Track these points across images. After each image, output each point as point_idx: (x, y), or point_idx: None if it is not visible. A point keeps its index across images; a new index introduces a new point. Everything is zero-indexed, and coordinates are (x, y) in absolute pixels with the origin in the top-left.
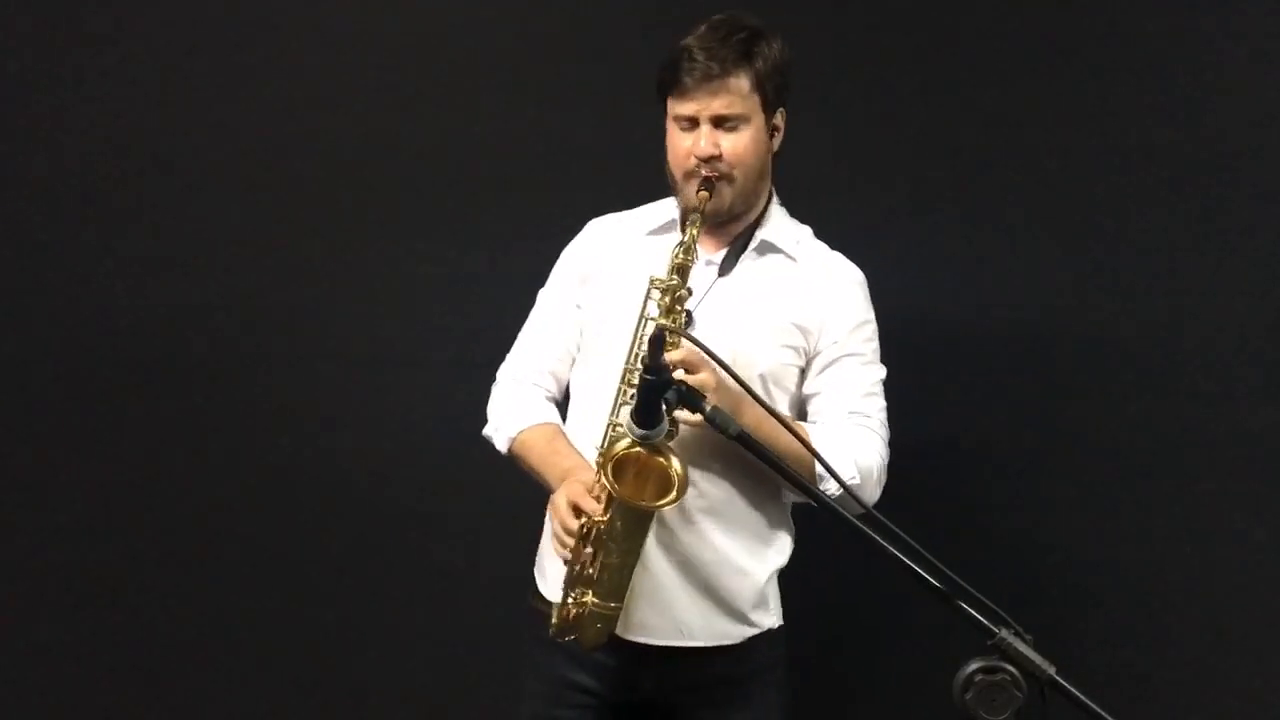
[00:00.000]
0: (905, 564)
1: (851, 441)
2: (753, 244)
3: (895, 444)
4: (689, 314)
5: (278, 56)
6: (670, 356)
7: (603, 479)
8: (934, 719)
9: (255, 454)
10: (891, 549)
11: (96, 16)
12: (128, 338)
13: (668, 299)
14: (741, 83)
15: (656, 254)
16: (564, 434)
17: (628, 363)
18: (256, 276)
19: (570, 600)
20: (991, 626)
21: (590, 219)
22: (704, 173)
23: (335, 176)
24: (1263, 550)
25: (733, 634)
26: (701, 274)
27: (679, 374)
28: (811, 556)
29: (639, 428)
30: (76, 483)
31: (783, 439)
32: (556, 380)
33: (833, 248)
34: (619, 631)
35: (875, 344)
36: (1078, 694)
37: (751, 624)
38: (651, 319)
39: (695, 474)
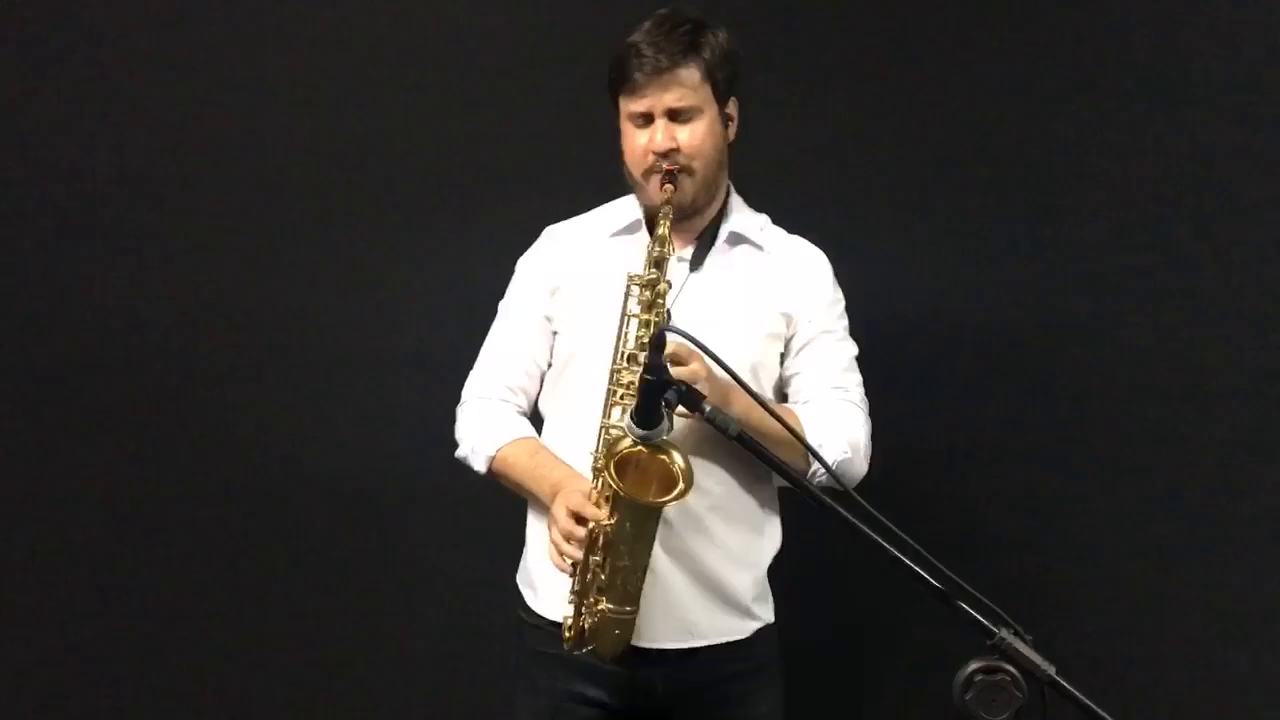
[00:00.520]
0: (905, 564)
1: (839, 417)
2: (721, 236)
3: (895, 445)
4: (667, 311)
5: (267, 58)
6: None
7: (605, 480)
8: (934, 719)
9: (245, 455)
10: (891, 549)
11: (79, 17)
12: (123, 338)
13: (648, 294)
14: (692, 74)
15: (625, 256)
16: (545, 446)
17: (614, 363)
18: (252, 277)
19: (584, 610)
20: (991, 626)
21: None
22: (665, 166)
23: (329, 177)
24: (1263, 550)
25: (739, 629)
26: (673, 271)
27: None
28: (812, 557)
29: (640, 428)
30: (72, 483)
31: (772, 425)
32: (526, 394)
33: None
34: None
35: (846, 321)
36: (1078, 694)
37: (755, 617)
38: (634, 315)
39: (696, 476)
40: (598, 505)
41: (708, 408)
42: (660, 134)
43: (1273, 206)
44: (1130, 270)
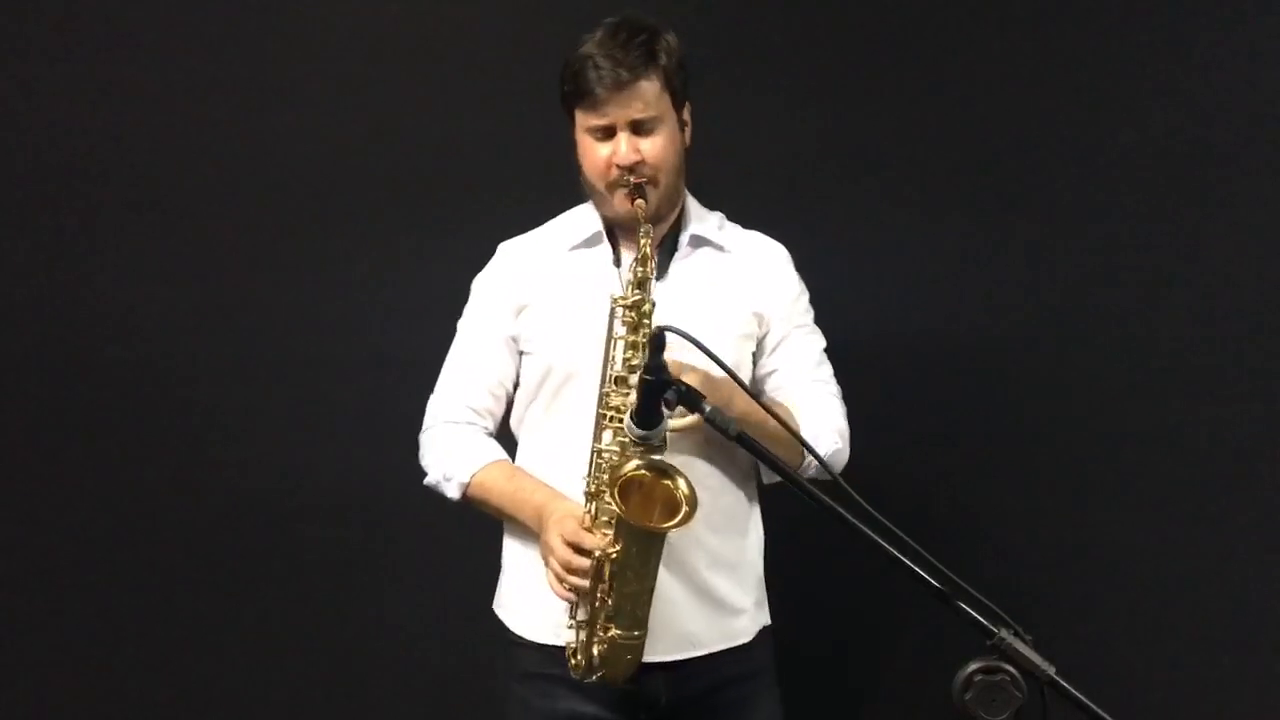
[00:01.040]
0: (905, 564)
1: (826, 410)
2: (684, 241)
3: (895, 445)
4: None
5: (261, 58)
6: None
7: (604, 506)
8: (934, 719)
9: (231, 461)
10: (891, 549)
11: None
12: (114, 340)
13: (633, 315)
14: (653, 85)
15: (590, 270)
16: (521, 469)
17: (603, 386)
18: (242, 281)
19: (595, 638)
20: (991, 626)
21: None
22: (632, 180)
23: (317, 181)
24: (1263, 550)
25: (737, 633)
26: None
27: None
28: (811, 558)
29: (639, 428)
30: (66, 484)
31: (771, 423)
32: (493, 416)
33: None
34: None
35: (812, 312)
36: (1078, 694)
37: (751, 620)
38: (620, 338)
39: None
40: (592, 531)
41: (708, 408)
42: (624, 146)
43: (1272, 207)
44: (1130, 270)
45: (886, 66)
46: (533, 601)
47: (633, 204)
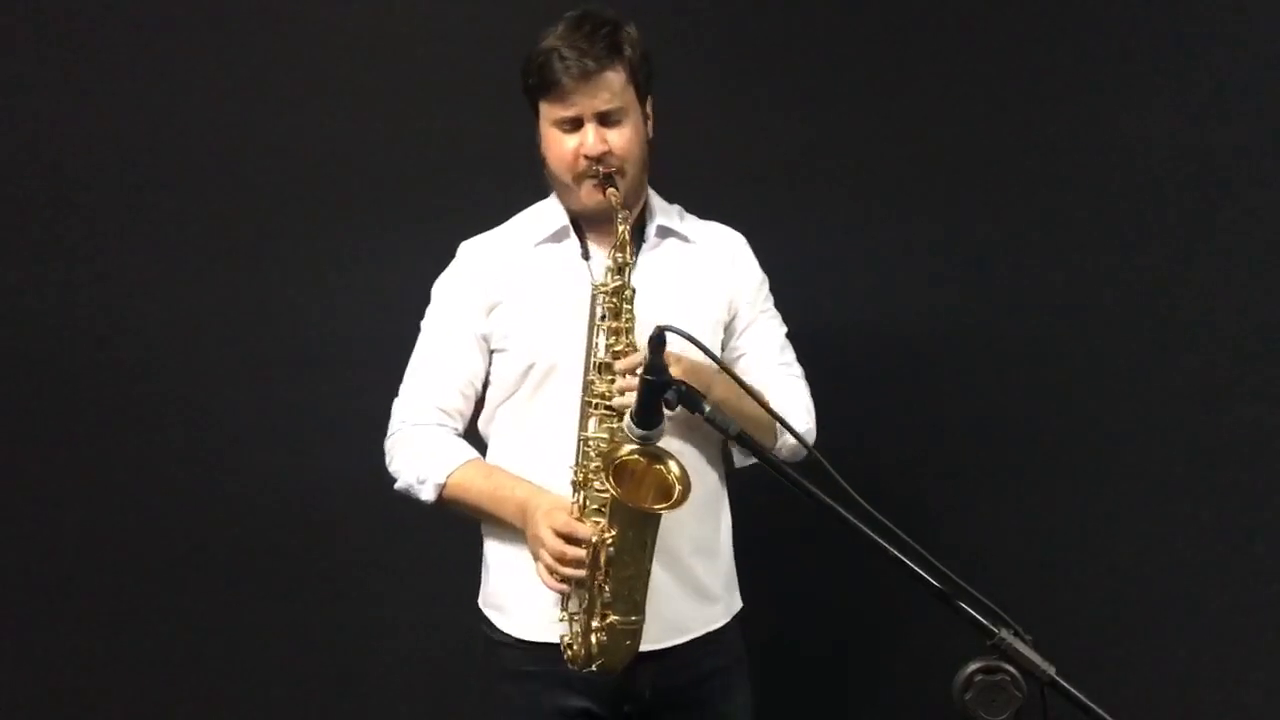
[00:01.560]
0: (906, 564)
1: (794, 392)
2: (651, 233)
3: (895, 445)
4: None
5: (254, 57)
6: (633, 359)
7: (597, 492)
8: (934, 719)
9: (217, 462)
10: (891, 549)
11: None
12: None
13: (614, 301)
14: (619, 76)
15: (556, 265)
16: (497, 467)
17: (586, 374)
18: (235, 280)
19: (594, 626)
20: (991, 626)
21: None
22: (601, 170)
23: (311, 178)
24: (1263, 550)
25: (717, 617)
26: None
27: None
28: (811, 558)
29: (639, 428)
30: (59, 486)
31: (750, 407)
32: (462, 416)
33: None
34: None
35: (772, 298)
36: (1078, 694)
37: (728, 605)
38: (602, 325)
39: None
40: (582, 521)
41: (708, 408)
42: (592, 137)
43: (1270, 206)
44: (1130, 270)
45: (869, 61)
46: (520, 599)
47: (604, 194)
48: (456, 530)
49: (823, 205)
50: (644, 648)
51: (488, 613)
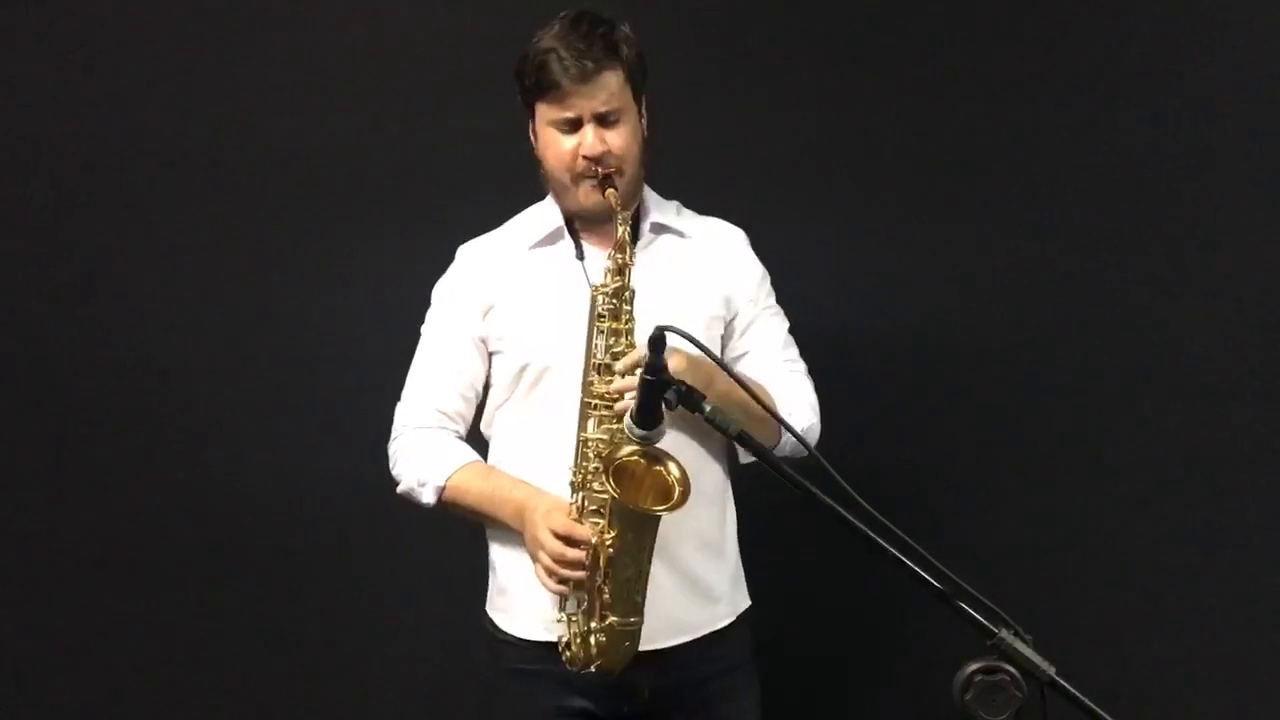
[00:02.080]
0: (906, 564)
1: (799, 389)
2: (646, 229)
3: (895, 445)
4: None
5: (258, 56)
6: (632, 357)
7: (596, 493)
8: (934, 719)
9: (219, 466)
10: (892, 549)
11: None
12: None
13: (614, 302)
14: (617, 76)
15: (551, 267)
16: (496, 468)
17: (585, 375)
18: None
19: (593, 627)
20: (991, 626)
21: None
22: (600, 171)
23: (315, 178)
24: (1263, 550)
25: (721, 616)
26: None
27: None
28: (811, 557)
29: (640, 428)
30: (63, 488)
31: (750, 406)
32: (464, 419)
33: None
34: None
35: (774, 294)
36: (1078, 694)
37: (733, 603)
38: (601, 326)
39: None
40: (581, 522)
41: (708, 408)
42: (591, 137)
43: (1269, 206)
44: (1131, 270)
45: (873, 61)
46: (521, 599)
47: (603, 194)
48: (459, 532)
49: (821, 205)
50: (644, 647)
51: (491, 612)
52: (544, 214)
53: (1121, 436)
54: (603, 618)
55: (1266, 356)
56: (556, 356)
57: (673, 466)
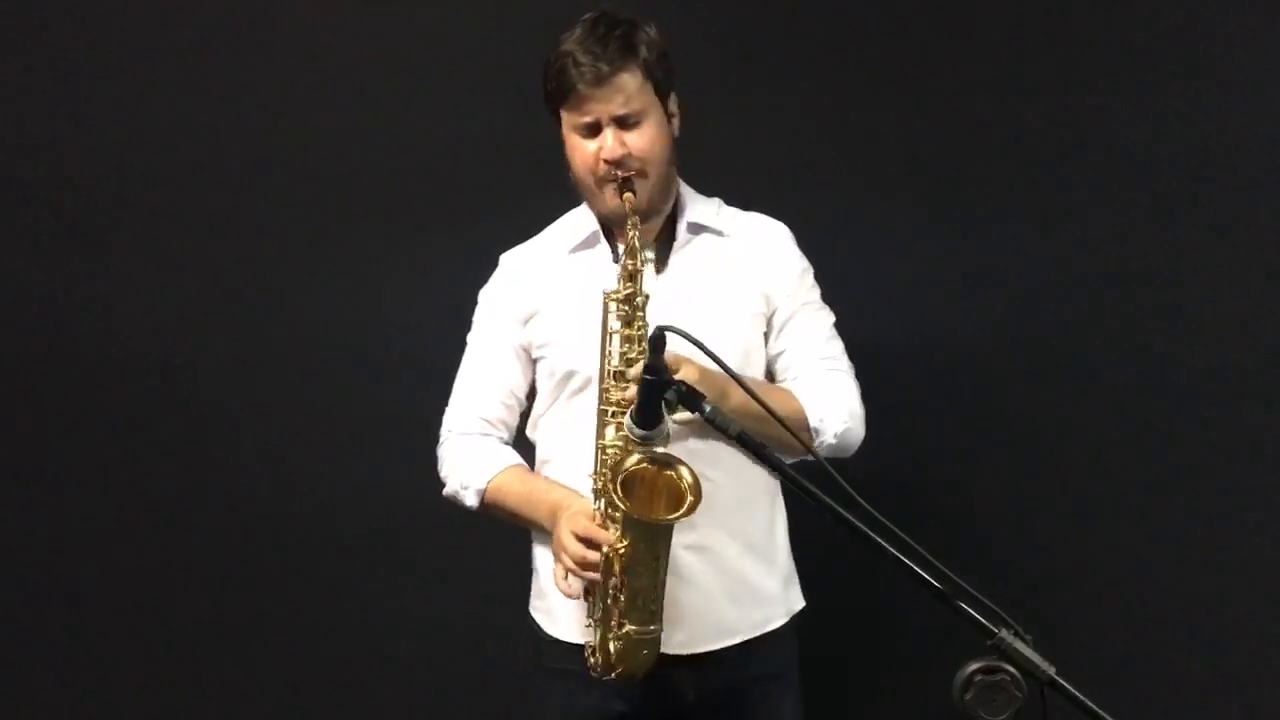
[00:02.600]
0: (905, 564)
1: (835, 389)
2: (681, 229)
3: (895, 445)
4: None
5: (266, 55)
6: (631, 373)
7: (614, 502)
8: (934, 719)
9: (247, 462)
10: (892, 549)
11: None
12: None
13: (626, 308)
14: (635, 78)
15: (589, 271)
16: (534, 473)
17: (602, 381)
18: (259, 279)
19: (610, 635)
20: (991, 626)
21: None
22: (619, 174)
23: (325, 178)
24: (1263, 550)
25: (770, 618)
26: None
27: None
28: (811, 557)
29: (640, 428)
30: (70, 485)
31: (772, 403)
32: (507, 426)
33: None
34: (665, 648)
35: (818, 289)
36: (1078, 694)
37: (783, 604)
38: (615, 332)
39: (707, 467)
40: (604, 526)
41: (708, 408)
42: (610, 140)
43: (1268, 206)
44: (1130, 270)
45: (893, 64)
46: (564, 604)
47: (621, 197)
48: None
49: (820, 204)
50: (688, 651)
51: (534, 614)
52: (581, 218)
53: (1122, 436)
54: (619, 625)
55: (1268, 356)
56: (589, 363)
57: (684, 471)
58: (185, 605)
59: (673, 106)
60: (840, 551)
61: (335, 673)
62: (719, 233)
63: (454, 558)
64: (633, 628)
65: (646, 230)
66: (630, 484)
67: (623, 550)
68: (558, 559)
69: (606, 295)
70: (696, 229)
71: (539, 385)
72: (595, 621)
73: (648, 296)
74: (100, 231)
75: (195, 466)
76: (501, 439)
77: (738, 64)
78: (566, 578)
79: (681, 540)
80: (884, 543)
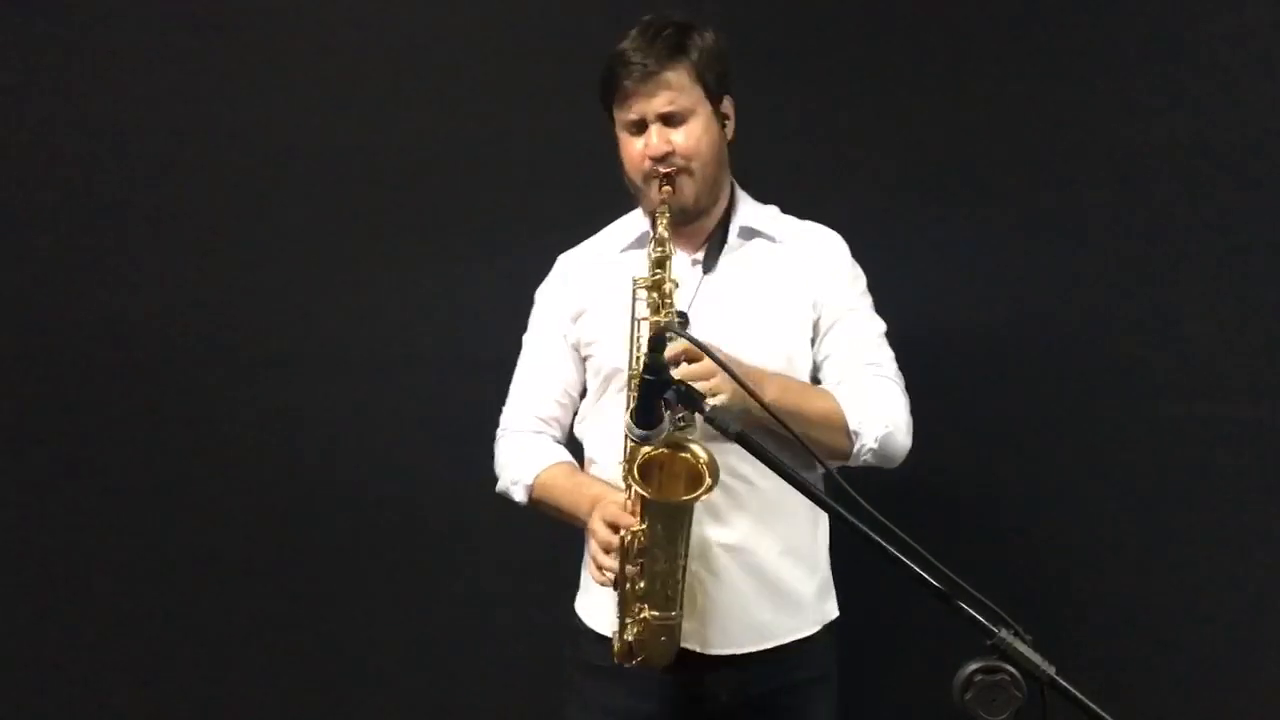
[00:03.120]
0: (905, 564)
1: (875, 394)
2: (733, 233)
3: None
4: (683, 314)
5: (276, 55)
6: (674, 347)
7: (631, 485)
8: (934, 719)
9: (268, 459)
10: (892, 549)
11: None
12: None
13: (655, 295)
14: (680, 77)
15: (642, 270)
16: (580, 470)
17: (629, 369)
18: (270, 279)
19: (629, 621)
20: (991, 626)
21: (592, 222)
22: (662, 170)
23: (334, 178)
24: (1263, 550)
25: (806, 625)
26: (688, 275)
27: (682, 367)
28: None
29: (638, 428)
30: (78, 485)
31: (809, 405)
32: (559, 424)
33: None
34: (697, 647)
35: (870, 298)
36: (1078, 694)
37: (819, 612)
38: (642, 319)
39: (746, 466)
40: (633, 514)
41: (708, 407)
42: (655, 138)
43: (1268, 206)
44: (1130, 270)
45: (894, 64)
46: (606, 595)
47: (660, 191)
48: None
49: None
50: (723, 652)
51: (579, 610)
52: (634, 219)
53: (1122, 436)
54: (639, 610)
55: (1268, 356)
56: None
57: (699, 450)
58: (183, 605)
59: (727, 108)
60: (840, 550)
61: (358, 672)
62: (771, 238)
63: (473, 557)
64: (652, 614)
65: (697, 231)
66: (649, 469)
67: (642, 534)
68: (588, 547)
69: (635, 282)
70: (749, 233)
71: (588, 383)
72: (618, 607)
73: (676, 283)
74: (115, 231)
75: (215, 467)
76: (554, 437)
77: (741, 67)
78: (600, 568)
79: (718, 538)
80: (884, 543)
